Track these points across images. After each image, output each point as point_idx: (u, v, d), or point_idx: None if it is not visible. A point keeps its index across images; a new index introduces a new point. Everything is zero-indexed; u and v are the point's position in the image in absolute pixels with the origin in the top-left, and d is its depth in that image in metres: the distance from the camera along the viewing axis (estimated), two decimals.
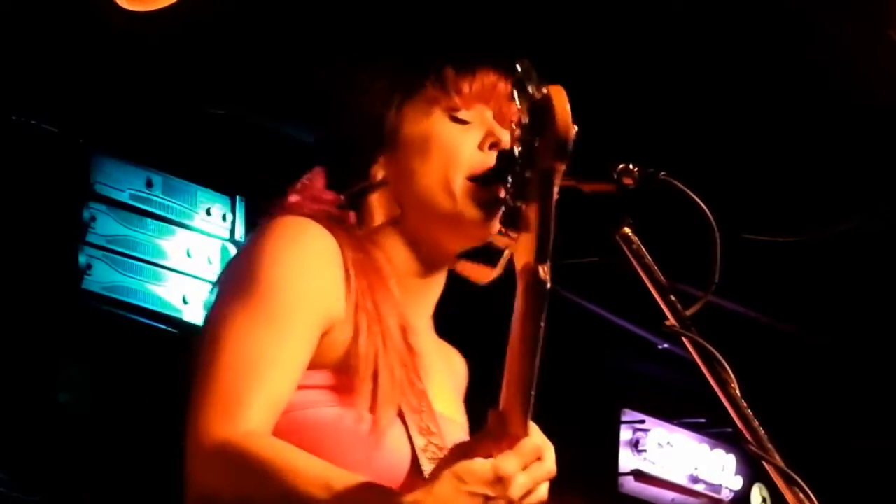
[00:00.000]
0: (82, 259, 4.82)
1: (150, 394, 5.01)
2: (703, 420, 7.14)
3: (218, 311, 2.12)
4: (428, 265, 2.31)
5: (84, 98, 4.77)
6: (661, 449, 6.99)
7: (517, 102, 1.84)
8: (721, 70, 4.78)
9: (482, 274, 2.36)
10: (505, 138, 2.26)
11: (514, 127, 1.87)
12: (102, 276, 4.89)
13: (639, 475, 6.92)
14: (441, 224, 2.27)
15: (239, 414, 2.00)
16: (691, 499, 7.22)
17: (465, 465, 1.90)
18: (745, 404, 2.06)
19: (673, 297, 2.10)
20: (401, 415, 2.14)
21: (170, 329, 5.08)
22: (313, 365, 2.13)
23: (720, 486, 7.25)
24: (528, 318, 1.86)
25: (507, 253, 2.32)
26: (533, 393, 1.90)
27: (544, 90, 1.80)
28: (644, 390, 6.97)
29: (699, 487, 7.19)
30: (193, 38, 4.49)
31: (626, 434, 6.93)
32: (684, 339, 2.08)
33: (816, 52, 4.66)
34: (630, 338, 6.39)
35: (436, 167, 2.26)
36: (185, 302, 5.10)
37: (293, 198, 2.30)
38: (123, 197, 5.00)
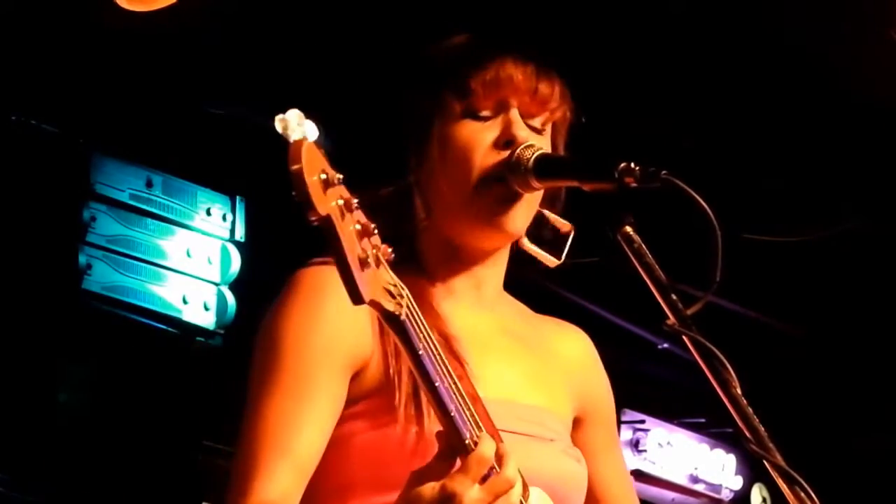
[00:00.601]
0: (82, 259, 4.82)
1: (150, 393, 5.01)
2: (703, 420, 7.14)
3: (249, 382, 2.19)
4: (468, 260, 2.31)
5: (84, 98, 4.77)
6: (661, 449, 6.99)
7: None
8: (722, 70, 4.78)
9: (547, 259, 2.37)
10: (522, 133, 2.26)
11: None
12: (102, 276, 4.89)
13: (639, 475, 6.91)
14: (462, 228, 2.27)
15: (257, 488, 2.08)
16: (691, 499, 7.22)
17: (414, 492, 1.95)
18: (745, 403, 2.05)
19: (674, 297, 2.09)
20: None
21: (170, 329, 5.08)
22: (353, 399, 2.18)
23: (720, 485, 7.25)
24: (402, 347, 1.94)
25: (570, 239, 2.33)
26: (454, 413, 1.94)
27: (293, 139, 1.82)
28: (644, 390, 6.96)
29: (699, 487, 7.19)
30: (193, 37, 4.49)
31: (626, 434, 6.93)
32: (685, 339, 2.08)
33: (817, 52, 4.66)
34: (630, 338, 6.38)
35: (452, 171, 2.26)
36: (185, 302, 5.10)
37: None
38: (123, 197, 5.00)
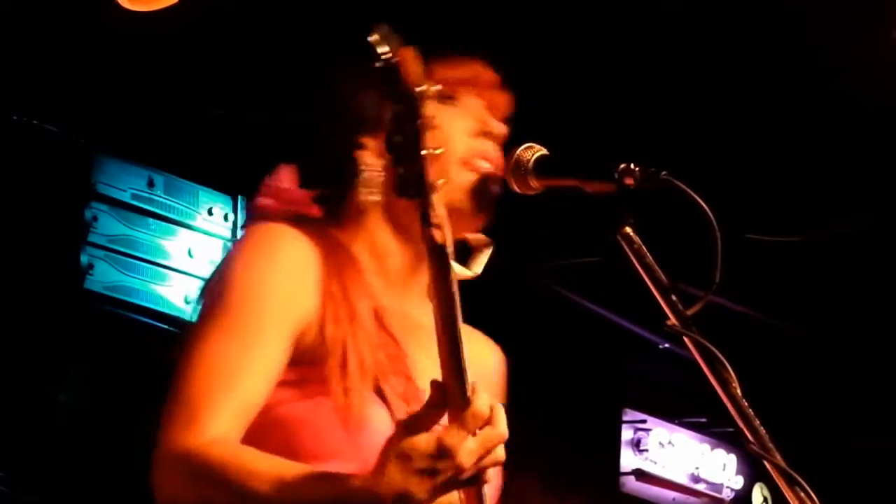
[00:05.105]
0: (84, 259, 4.82)
1: (151, 393, 5.01)
2: (704, 420, 7.15)
3: (193, 327, 2.17)
4: (411, 244, 2.30)
5: (86, 98, 4.78)
6: (662, 448, 7.00)
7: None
8: (723, 70, 4.78)
9: (464, 272, 2.35)
10: (498, 129, 2.29)
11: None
12: (104, 276, 4.89)
13: (640, 475, 6.92)
14: None
15: (200, 424, 2.05)
16: (692, 498, 7.22)
17: (408, 444, 1.90)
18: (746, 404, 2.05)
19: (674, 297, 2.10)
20: (384, 398, 2.14)
21: (171, 329, 5.08)
22: (293, 363, 2.15)
23: (721, 485, 7.26)
24: (436, 283, 1.91)
25: (486, 252, 2.33)
26: (463, 361, 1.92)
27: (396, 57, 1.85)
28: (645, 390, 6.97)
29: (700, 487, 7.20)
30: (194, 37, 4.50)
31: (627, 434, 6.94)
32: (685, 339, 2.08)
33: (818, 52, 4.66)
34: (630, 338, 6.39)
35: None
36: (186, 302, 5.10)
37: (264, 201, 2.31)
38: (125, 197, 5.01)
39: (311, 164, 2.34)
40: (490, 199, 2.26)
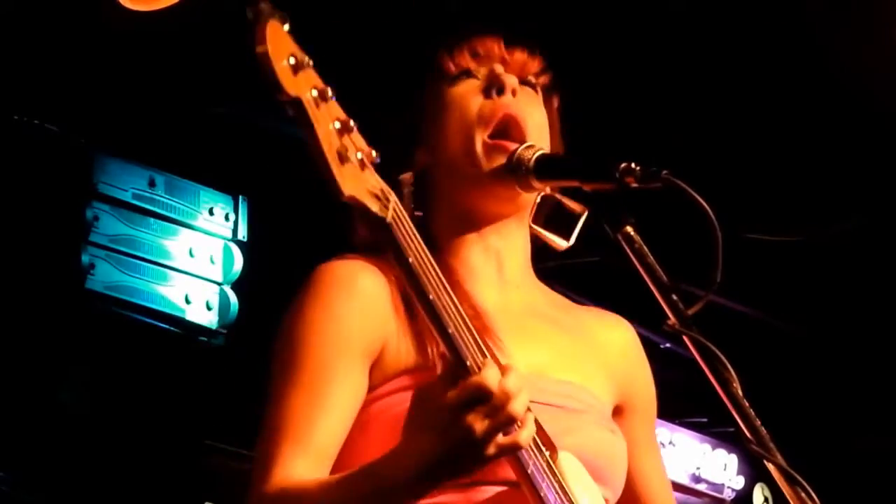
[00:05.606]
0: (85, 259, 4.82)
1: (152, 393, 5.01)
2: (704, 420, 7.14)
3: (268, 381, 2.20)
4: (481, 227, 2.31)
5: (87, 98, 4.78)
6: (663, 448, 6.99)
7: None
8: (724, 70, 4.79)
9: (555, 242, 2.35)
10: (509, 82, 2.29)
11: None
12: (105, 276, 4.89)
13: None
14: (469, 187, 2.28)
15: (275, 472, 2.09)
16: (693, 498, 7.22)
17: (417, 412, 1.97)
18: (746, 404, 2.05)
19: (674, 297, 2.10)
20: None
21: (172, 329, 5.08)
22: (388, 377, 2.18)
23: (722, 485, 7.26)
24: (394, 257, 1.90)
25: (581, 218, 2.32)
26: (452, 331, 1.93)
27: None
28: None
29: (701, 487, 7.20)
30: (195, 37, 4.50)
31: None
32: (685, 339, 2.08)
33: (818, 52, 4.67)
34: None
35: (453, 130, 2.29)
36: (187, 301, 5.10)
37: (360, 230, 2.30)
38: (126, 196, 5.01)
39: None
40: (515, 165, 2.25)
